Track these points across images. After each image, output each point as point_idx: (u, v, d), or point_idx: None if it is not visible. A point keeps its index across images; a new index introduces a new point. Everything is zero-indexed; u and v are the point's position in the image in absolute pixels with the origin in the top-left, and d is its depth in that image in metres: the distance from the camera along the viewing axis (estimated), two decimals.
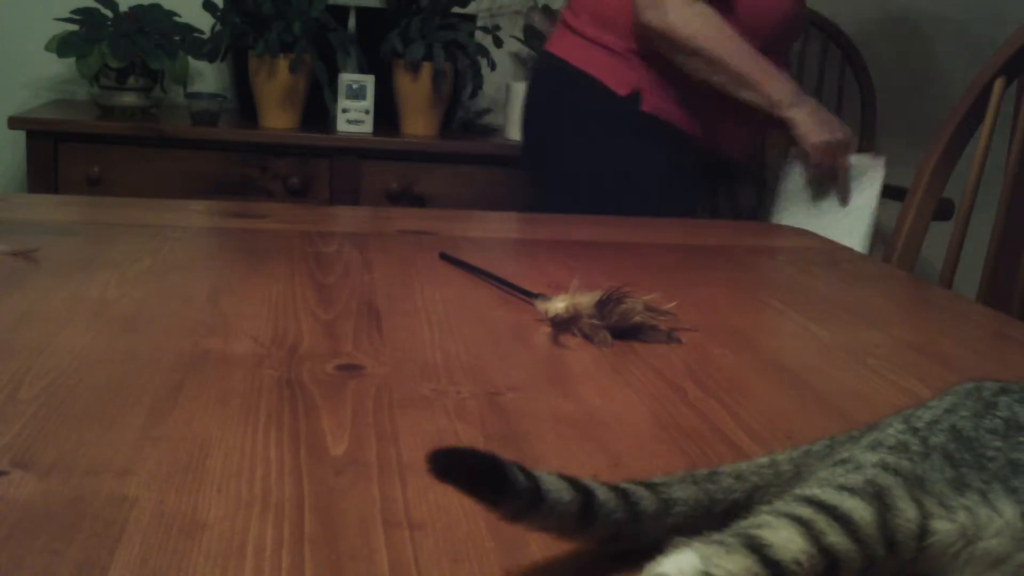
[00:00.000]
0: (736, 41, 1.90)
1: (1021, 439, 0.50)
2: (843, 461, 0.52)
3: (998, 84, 1.60)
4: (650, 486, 0.54)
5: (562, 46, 2.10)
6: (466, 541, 0.54)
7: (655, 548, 0.47)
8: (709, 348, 0.94)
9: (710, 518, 0.52)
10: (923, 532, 0.47)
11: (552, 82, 2.13)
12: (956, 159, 1.68)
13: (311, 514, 0.56)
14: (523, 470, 0.49)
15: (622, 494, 0.52)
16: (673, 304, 0.98)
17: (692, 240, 1.52)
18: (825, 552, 0.45)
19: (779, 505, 0.48)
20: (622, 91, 2.01)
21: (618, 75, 2.01)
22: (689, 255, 1.40)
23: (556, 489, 0.50)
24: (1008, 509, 0.48)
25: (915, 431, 0.53)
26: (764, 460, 0.58)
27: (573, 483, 0.51)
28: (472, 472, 0.48)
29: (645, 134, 2.02)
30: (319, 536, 0.54)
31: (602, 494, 0.51)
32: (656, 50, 1.95)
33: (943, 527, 0.47)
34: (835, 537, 0.46)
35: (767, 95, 1.92)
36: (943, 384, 0.59)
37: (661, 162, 2.02)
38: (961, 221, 1.64)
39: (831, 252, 1.48)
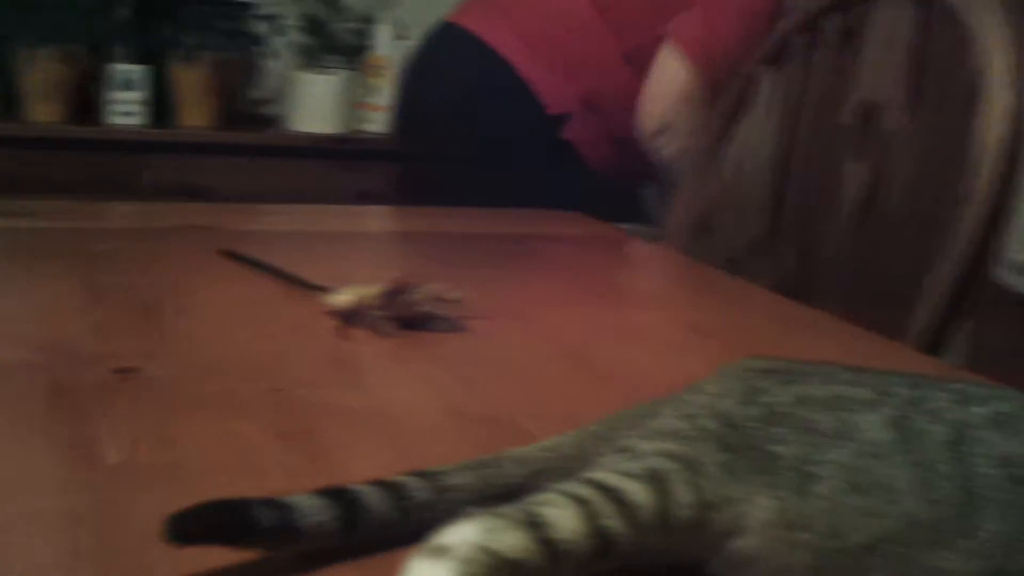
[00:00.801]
0: None
1: (779, 429, 0.51)
2: (624, 448, 0.52)
3: (762, 73, 1.66)
4: (426, 475, 0.54)
5: (496, 35, 1.99)
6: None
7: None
8: (496, 335, 0.95)
9: (492, 502, 0.53)
10: (698, 521, 0.48)
11: (468, 68, 2.04)
12: (727, 145, 1.74)
13: (85, 529, 0.53)
14: (272, 503, 0.49)
15: (394, 489, 0.52)
16: (460, 292, 0.98)
17: (480, 228, 1.53)
18: (599, 533, 0.46)
19: (565, 485, 0.48)
20: (552, 108, 1.96)
21: (555, 91, 1.95)
22: (476, 243, 1.41)
23: (313, 511, 0.49)
24: (766, 502, 0.48)
25: (688, 417, 0.53)
26: (546, 444, 0.58)
27: (335, 495, 0.50)
28: (215, 527, 0.48)
29: (552, 157, 1.98)
30: (95, 552, 0.51)
31: (369, 497, 0.51)
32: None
33: (715, 518, 0.48)
34: (611, 520, 0.46)
35: None
36: (719, 361, 0.60)
37: (557, 185, 2.00)
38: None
39: (613, 236, 1.52)
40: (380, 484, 0.53)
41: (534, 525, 0.45)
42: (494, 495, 0.54)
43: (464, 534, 0.45)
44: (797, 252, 1.44)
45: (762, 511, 0.48)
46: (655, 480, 0.48)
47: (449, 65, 2.10)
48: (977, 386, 0.54)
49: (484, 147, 2.01)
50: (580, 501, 0.47)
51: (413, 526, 0.52)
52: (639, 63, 1.98)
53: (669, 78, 1.90)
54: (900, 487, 0.47)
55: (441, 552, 0.44)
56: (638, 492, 0.48)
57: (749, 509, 0.48)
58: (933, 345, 1.10)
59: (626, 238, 1.52)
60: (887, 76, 1.35)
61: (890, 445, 0.48)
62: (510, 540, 0.44)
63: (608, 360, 0.91)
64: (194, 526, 0.48)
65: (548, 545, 0.45)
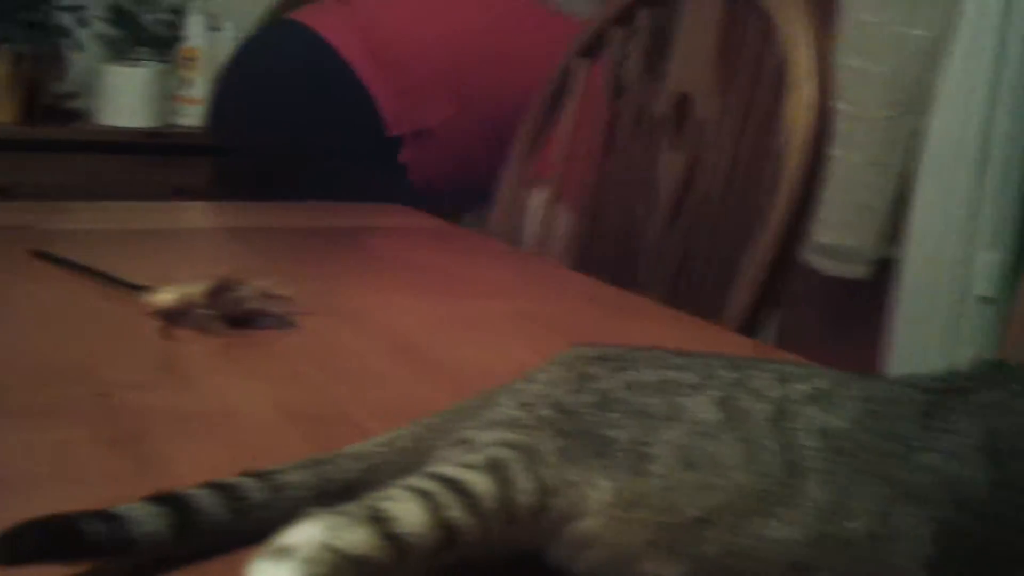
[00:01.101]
0: None
1: (611, 414, 0.52)
2: (463, 440, 0.53)
3: (579, 66, 1.70)
4: (261, 475, 0.54)
5: (346, 42, 1.96)
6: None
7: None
8: (328, 330, 0.94)
9: (329, 499, 0.53)
10: (540, 507, 0.49)
11: (313, 72, 2.00)
12: (546, 137, 1.77)
13: None
14: (101, 515, 0.48)
15: (228, 491, 0.52)
16: (288, 288, 0.97)
17: (305, 223, 1.51)
18: (444, 525, 0.46)
19: (409, 479, 0.49)
20: (393, 128, 1.93)
21: (400, 112, 1.94)
22: (303, 238, 1.39)
23: (145, 520, 0.49)
24: (603, 484, 0.50)
25: (524, 406, 0.54)
26: (382, 439, 0.59)
27: (166, 501, 0.50)
28: (43, 545, 0.47)
29: (383, 176, 1.98)
30: None
31: (202, 501, 0.51)
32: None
33: (555, 503, 0.49)
34: (455, 511, 0.47)
35: None
36: (551, 349, 0.61)
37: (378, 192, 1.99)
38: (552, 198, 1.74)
39: (439, 228, 1.52)
40: (213, 486, 0.52)
41: (378, 520, 0.46)
42: (332, 492, 0.54)
43: (307, 533, 0.45)
44: (619, 240, 1.48)
45: (600, 493, 0.49)
46: (495, 470, 0.50)
47: (285, 59, 2.07)
48: (794, 366, 0.57)
49: (314, 144, 2.00)
50: (423, 494, 0.47)
51: (251, 527, 0.52)
52: (474, 112, 2.03)
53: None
54: (729, 462, 0.49)
55: (284, 553, 0.44)
56: (480, 482, 0.49)
57: (588, 491, 0.50)
58: (749, 327, 1.15)
59: (452, 229, 1.53)
60: (698, 66, 1.39)
61: (717, 424, 0.50)
62: (354, 537, 0.45)
63: (441, 352, 0.91)
64: (22, 546, 0.46)
65: (393, 539, 0.45)
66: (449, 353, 0.91)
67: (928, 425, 0.48)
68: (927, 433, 0.48)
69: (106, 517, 0.48)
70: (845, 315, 2.50)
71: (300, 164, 1.99)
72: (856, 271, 2.31)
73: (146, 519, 0.49)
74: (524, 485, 0.49)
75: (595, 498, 0.49)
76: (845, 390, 0.52)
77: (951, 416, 0.48)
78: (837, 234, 2.28)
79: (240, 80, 2.12)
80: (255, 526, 0.52)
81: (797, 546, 0.46)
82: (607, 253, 1.49)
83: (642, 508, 0.49)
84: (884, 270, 2.35)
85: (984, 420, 0.48)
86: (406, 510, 0.46)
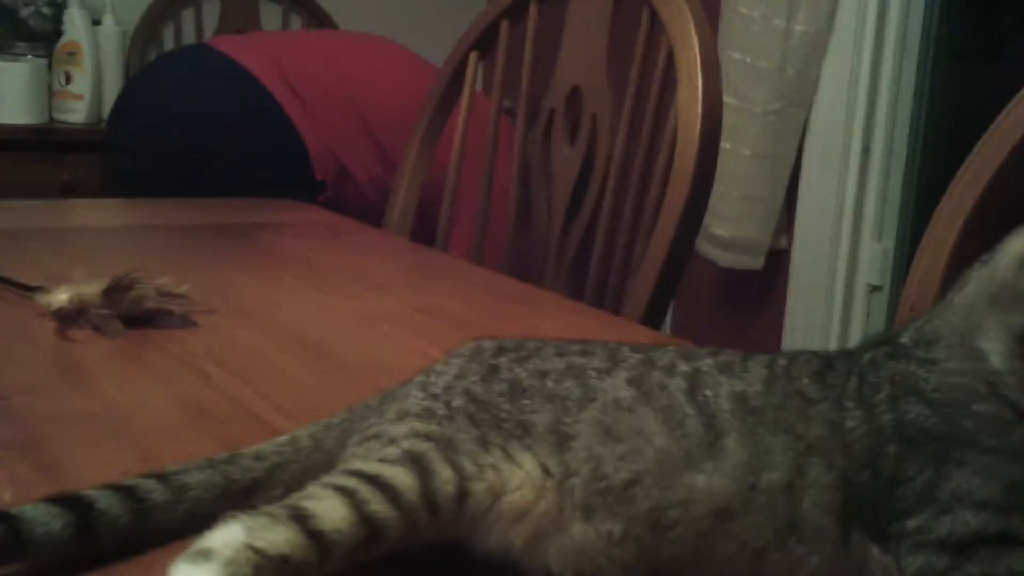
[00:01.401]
0: None
1: (526, 401, 0.54)
2: (376, 435, 0.54)
3: (472, 58, 1.70)
4: (162, 476, 0.53)
5: (277, 87, 1.98)
6: None
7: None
8: (228, 328, 0.93)
9: (231, 499, 0.53)
10: (461, 493, 0.50)
11: (244, 109, 2.01)
12: (440, 130, 1.78)
13: None
14: None
15: (129, 492, 0.51)
16: (186, 286, 0.95)
17: (200, 220, 1.49)
18: (367, 520, 0.47)
19: (328, 477, 0.50)
20: (318, 175, 1.96)
21: (327, 161, 1.96)
22: (198, 235, 1.37)
23: (42, 520, 0.48)
24: (528, 462, 0.52)
25: (435, 396, 0.55)
26: (284, 438, 0.59)
27: (65, 502, 0.49)
28: None
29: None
30: None
31: (102, 502, 0.50)
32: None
33: (477, 487, 0.50)
34: (378, 505, 0.48)
35: None
36: (453, 344, 0.62)
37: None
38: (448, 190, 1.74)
39: (334, 224, 1.52)
40: (114, 488, 0.52)
41: (300, 519, 0.46)
42: (235, 492, 0.55)
43: (228, 535, 0.45)
44: (520, 234, 1.49)
45: (524, 469, 0.51)
46: (414, 462, 0.50)
47: (197, 72, 2.08)
48: (695, 348, 0.59)
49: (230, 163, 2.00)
50: (344, 491, 0.48)
51: (154, 529, 0.51)
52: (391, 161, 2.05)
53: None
54: (650, 430, 0.52)
55: (204, 555, 0.44)
56: (399, 475, 0.49)
57: (511, 470, 0.51)
58: (649, 318, 1.17)
59: (349, 224, 1.53)
60: (589, 61, 1.41)
61: (634, 399, 0.53)
62: (275, 536, 0.45)
63: (341, 348, 0.91)
64: None
65: (316, 537, 0.46)
66: (350, 349, 0.91)
67: (822, 381, 0.52)
68: (822, 390, 0.52)
69: (4, 518, 0.47)
70: (739, 305, 2.56)
71: (210, 171, 1.99)
72: (750, 262, 2.37)
73: (43, 520, 0.48)
74: (444, 474, 0.50)
75: (519, 475, 0.51)
76: (750, 361, 0.55)
77: (839, 373, 0.53)
78: (731, 226, 2.33)
79: (148, 100, 2.12)
80: (157, 527, 0.52)
81: (723, 494, 0.50)
82: (506, 246, 1.50)
83: (569, 477, 0.51)
84: (777, 261, 2.41)
85: (860, 375, 0.52)
86: (328, 507, 0.47)
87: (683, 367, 0.55)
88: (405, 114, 2.00)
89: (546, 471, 0.51)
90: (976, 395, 0.49)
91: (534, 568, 0.51)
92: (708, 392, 0.53)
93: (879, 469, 0.49)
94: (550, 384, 0.55)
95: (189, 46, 2.41)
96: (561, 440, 0.52)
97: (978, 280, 0.53)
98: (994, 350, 0.50)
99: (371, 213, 2.07)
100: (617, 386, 0.54)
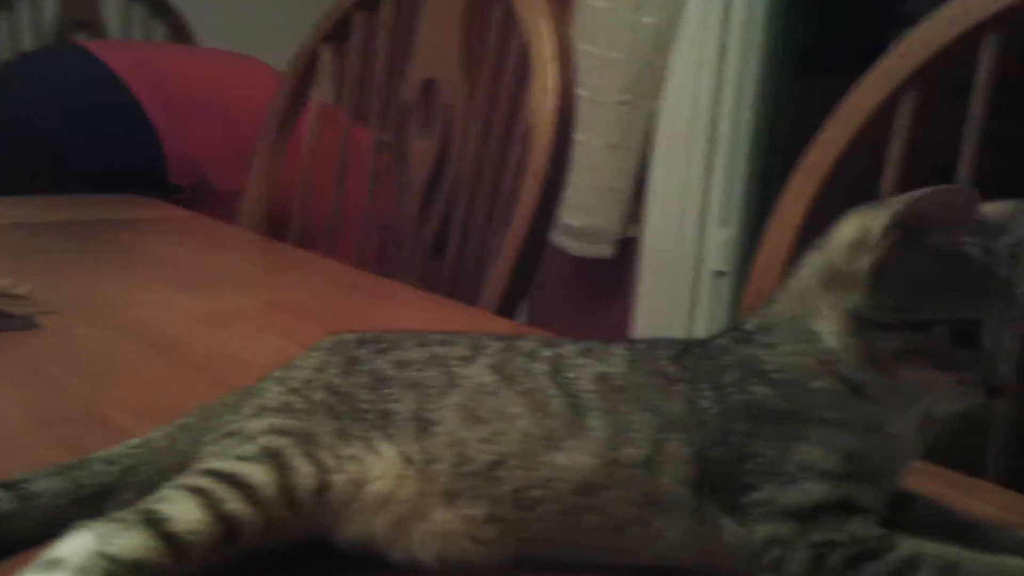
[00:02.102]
0: None
1: (387, 391, 0.54)
2: (232, 433, 0.53)
3: (325, 51, 1.68)
4: (9, 485, 0.52)
5: (145, 92, 1.94)
6: None
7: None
8: (76, 329, 0.90)
9: (83, 506, 0.52)
10: (322, 486, 0.50)
11: (103, 109, 1.99)
12: (292, 127, 1.75)
13: None
14: None
15: None
16: (28, 287, 0.92)
17: (50, 217, 1.44)
18: (223, 519, 0.47)
19: (181, 479, 0.49)
20: (174, 178, 1.95)
21: (187, 169, 1.95)
22: (48, 233, 1.33)
23: None
24: (388, 451, 0.52)
25: (294, 391, 0.55)
26: (136, 440, 0.58)
27: None
28: None
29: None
30: None
31: None
32: None
33: (338, 479, 0.50)
34: (234, 504, 0.47)
35: None
36: (310, 340, 0.62)
37: None
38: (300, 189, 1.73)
39: (187, 220, 1.48)
40: None
41: (152, 522, 0.45)
42: (86, 498, 0.53)
43: (78, 542, 0.44)
44: (376, 228, 1.48)
45: (386, 458, 0.52)
46: (271, 458, 0.50)
47: (61, 71, 2.07)
48: (555, 338, 0.60)
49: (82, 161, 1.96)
50: (198, 491, 0.47)
51: (3, 539, 0.50)
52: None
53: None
54: (514, 412, 0.53)
55: (54, 565, 0.43)
56: (256, 472, 0.49)
57: (372, 460, 0.51)
58: (506, 308, 1.18)
59: (201, 220, 1.49)
60: (443, 52, 1.41)
61: (497, 383, 0.54)
62: (127, 541, 0.44)
63: (195, 347, 0.89)
64: None
65: (170, 539, 0.45)
66: (204, 347, 0.89)
67: (680, 364, 0.55)
68: (680, 371, 0.54)
69: None
70: (592, 293, 2.60)
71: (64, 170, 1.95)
72: (601, 251, 2.40)
73: None
74: (304, 469, 0.50)
75: (381, 464, 0.51)
76: (611, 346, 0.57)
77: (694, 356, 0.55)
78: (582, 216, 2.36)
79: (8, 96, 2.08)
80: (6, 537, 0.50)
81: (585, 470, 0.52)
82: (363, 240, 1.48)
83: (433, 463, 0.52)
84: (627, 249, 2.45)
85: (712, 358, 0.55)
86: (182, 509, 0.46)
87: (545, 352, 0.56)
88: None
89: (407, 459, 0.52)
90: (812, 373, 0.52)
91: (398, 555, 0.51)
92: (571, 374, 0.55)
93: (731, 445, 0.52)
94: (412, 373, 0.55)
95: (61, 46, 2.40)
96: (423, 427, 0.53)
97: (811, 265, 0.55)
98: (828, 330, 0.53)
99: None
100: (480, 372, 0.55)
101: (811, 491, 0.50)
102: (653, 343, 0.57)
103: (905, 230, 0.51)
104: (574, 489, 0.52)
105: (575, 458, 0.52)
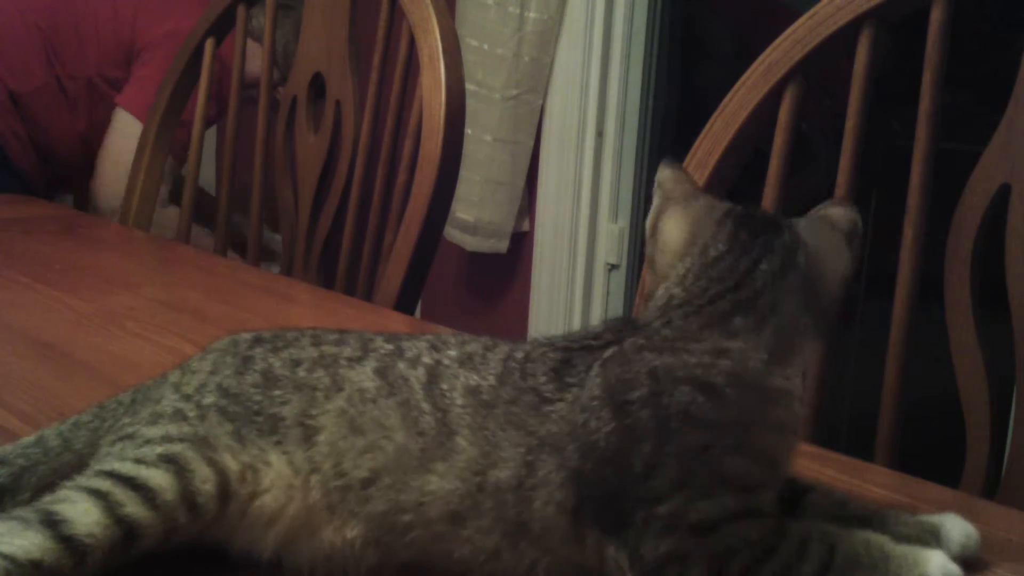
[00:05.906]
0: None
1: (276, 392, 0.53)
2: (130, 436, 0.52)
3: (209, 44, 1.65)
4: None
5: None
6: None
7: None
8: None
9: None
10: (223, 491, 0.49)
11: None
12: (178, 118, 1.72)
13: None
14: None
15: None
16: None
17: None
18: (121, 522, 0.46)
19: (81, 479, 0.48)
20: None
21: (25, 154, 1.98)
22: None
23: None
24: (277, 460, 0.51)
25: (187, 397, 0.54)
26: (30, 439, 0.56)
27: None
28: None
29: None
30: None
31: None
32: None
33: (239, 488, 0.50)
34: (133, 507, 0.46)
35: None
36: (203, 338, 0.61)
37: None
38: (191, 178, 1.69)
39: (66, 218, 1.44)
40: None
41: (51, 523, 0.44)
42: None
43: None
44: (268, 223, 1.46)
45: (275, 469, 0.51)
46: (171, 462, 0.49)
47: None
48: (448, 335, 0.59)
49: None
50: (97, 494, 0.46)
51: None
52: (72, 95, 2.06)
53: (130, 134, 1.93)
54: (391, 424, 0.51)
55: None
56: (155, 476, 0.48)
57: (263, 469, 0.51)
58: (402, 303, 1.17)
59: (79, 218, 1.45)
60: (331, 47, 1.40)
61: (378, 390, 0.53)
62: (25, 541, 0.43)
63: (86, 348, 0.87)
64: None
65: (68, 541, 0.44)
66: (93, 349, 0.87)
67: (560, 379, 0.52)
68: (560, 389, 0.51)
69: None
70: (486, 288, 2.60)
71: None
72: (495, 245, 2.41)
73: None
74: (203, 472, 0.49)
75: (271, 475, 0.50)
76: (490, 352, 0.54)
77: (578, 370, 0.52)
78: (475, 210, 2.36)
79: None
80: None
81: (453, 497, 0.49)
82: (256, 237, 1.46)
83: (313, 475, 0.50)
84: (520, 243, 2.46)
85: (605, 372, 0.51)
86: (80, 511, 0.45)
87: (427, 359, 0.54)
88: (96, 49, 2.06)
89: (295, 469, 0.51)
90: (737, 380, 0.50)
91: (292, 570, 0.50)
92: (444, 386, 0.52)
93: (629, 464, 0.48)
94: (301, 373, 0.54)
95: None
96: (308, 433, 0.52)
97: None
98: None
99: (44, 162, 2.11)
100: (364, 376, 0.53)
101: (727, 504, 0.48)
102: (532, 351, 0.54)
103: None
104: (442, 517, 0.49)
105: (442, 484, 0.49)
